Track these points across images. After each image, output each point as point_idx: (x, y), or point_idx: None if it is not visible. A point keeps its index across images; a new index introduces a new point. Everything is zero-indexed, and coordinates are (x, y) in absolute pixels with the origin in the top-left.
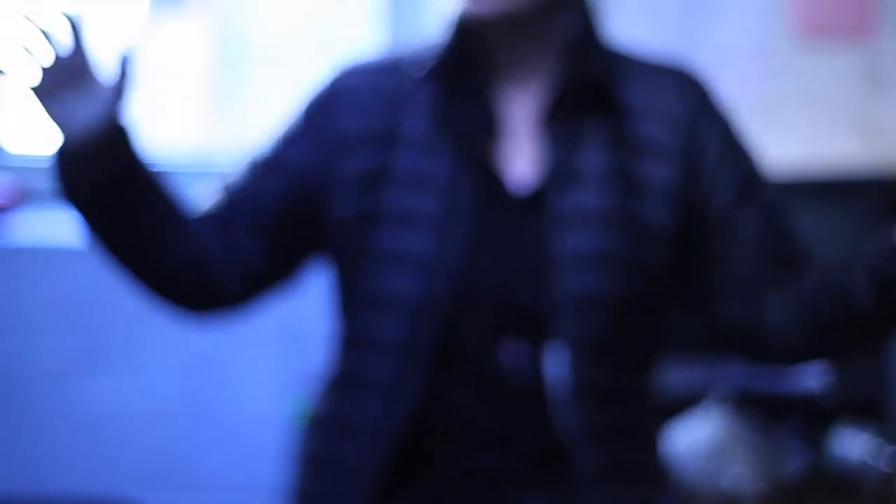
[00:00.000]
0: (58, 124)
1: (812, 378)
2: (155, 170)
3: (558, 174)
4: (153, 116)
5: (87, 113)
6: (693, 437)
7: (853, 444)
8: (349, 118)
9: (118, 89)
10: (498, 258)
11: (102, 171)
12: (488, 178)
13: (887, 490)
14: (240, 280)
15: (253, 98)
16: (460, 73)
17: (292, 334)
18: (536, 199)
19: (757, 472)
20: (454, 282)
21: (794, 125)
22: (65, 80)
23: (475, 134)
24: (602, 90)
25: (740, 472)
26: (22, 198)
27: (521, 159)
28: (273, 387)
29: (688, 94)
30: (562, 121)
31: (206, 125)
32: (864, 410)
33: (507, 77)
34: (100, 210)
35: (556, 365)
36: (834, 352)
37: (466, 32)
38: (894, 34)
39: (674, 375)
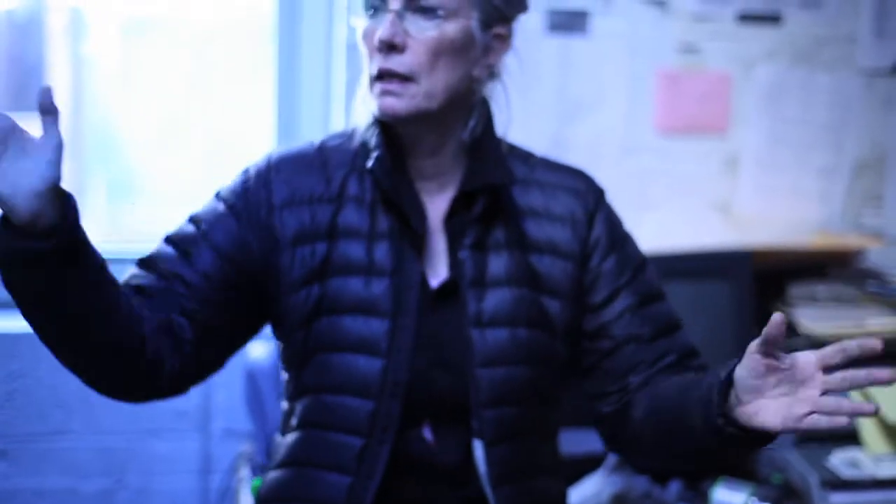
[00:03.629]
0: (2, 196)
1: None
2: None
3: (472, 278)
4: None
5: (31, 179)
6: (590, 496)
7: (732, 498)
8: (288, 219)
9: (55, 145)
10: (430, 348)
11: (55, 246)
12: (421, 270)
13: None
14: (179, 361)
15: None
16: (396, 169)
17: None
18: (449, 298)
19: None
20: (410, 361)
21: (661, 209)
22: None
23: (416, 228)
24: (500, 196)
25: None
26: None
27: (437, 260)
28: (202, 469)
29: (583, 196)
30: (466, 224)
31: None
32: (737, 469)
33: (420, 180)
34: (48, 287)
35: (479, 445)
36: (679, 465)
37: (387, 134)
38: (748, 126)
39: (573, 441)
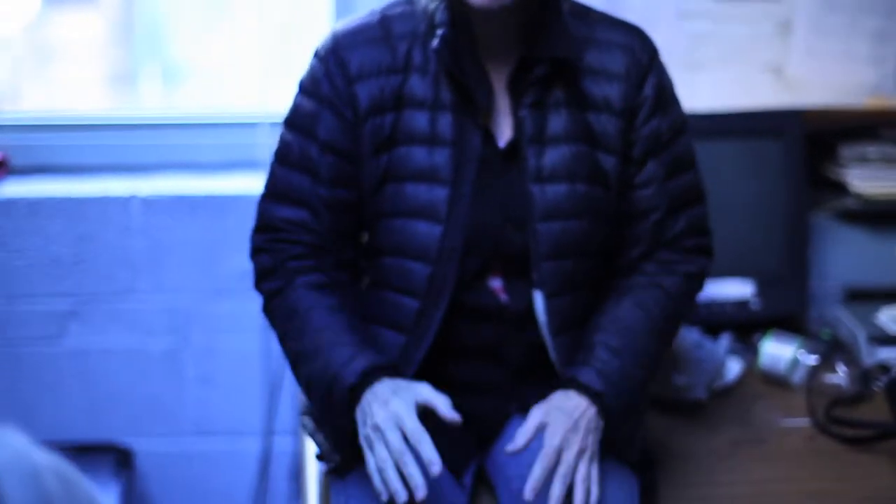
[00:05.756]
0: None
1: (742, 296)
2: None
3: (531, 136)
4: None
5: None
6: None
7: (781, 350)
8: (360, 92)
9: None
10: (492, 207)
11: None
12: (485, 136)
13: (814, 381)
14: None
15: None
16: (462, 47)
17: None
18: (517, 155)
19: (699, 381)
20: (465, 227)
21: (714, 70)
22: None
23: (480, 100)
24: (561, 60)
25: (686, 382)
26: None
27: (503, 121)
28: (264, 328)
29: (638, 54)
30: (528, 88)
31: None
32: (787, 324)
33: (486, 49)
34: None
35: (539, 295)
36: None
37: (460, 9)
38: None
39: None
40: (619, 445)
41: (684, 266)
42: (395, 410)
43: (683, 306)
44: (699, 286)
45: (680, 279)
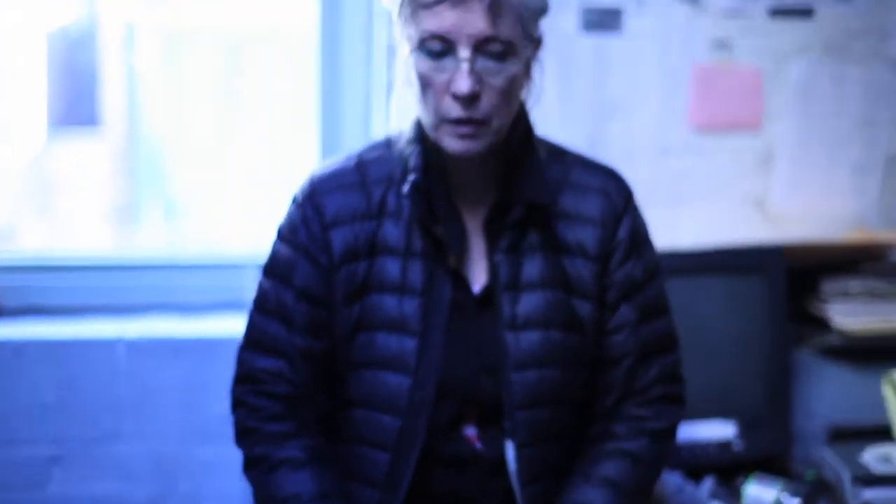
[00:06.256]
0: None
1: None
2: None
3: (506, 283)
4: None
5: None
6: None
7: (764, 493)
8: (335, 238)
9: None
10: (465, 355)
11: None
12: (457, 282)
13: None
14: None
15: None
16: (436, 191)
17: None
18: (491, 301)
19: None
20: (437, 377)
21: (696, 205)
22: None
23: (453, 245)
24: (536, 205)
25: None
26: None
27: (478, 264)
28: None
29: (613, 198)
30: (504, 232)
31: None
32: (771, 465)
33: (462, 192)
34: None
35: (510, 445)
36: None
37: (428, 153)
38: (781, 122)
39: None
40: None
41: (654, 423)
42: None
43: (655, 470)
44: (671, 442)
45: (649, 441)
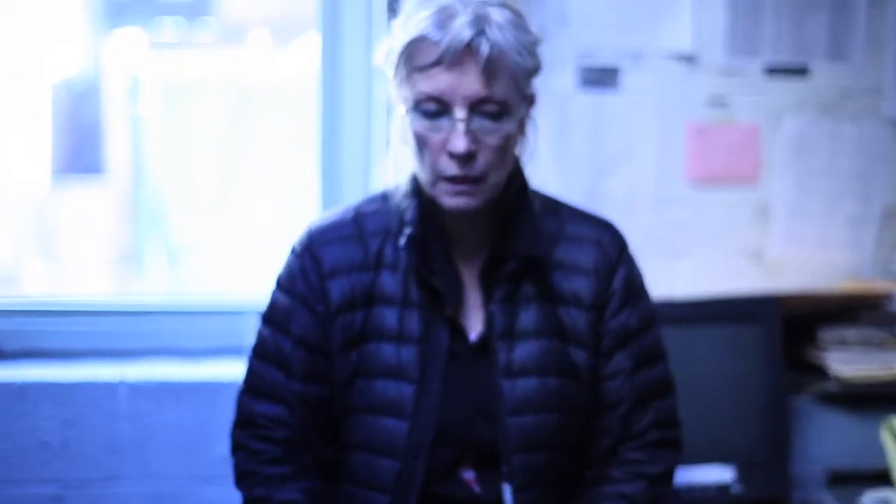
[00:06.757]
0: None
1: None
2: None
3: (501, 331)
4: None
5: None
6: None
7: None
8: (333, 288)
9: None
10: (461, 401)
11: None
12: (453, 331)
13: None
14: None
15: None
16: (432, 243)
17: None
18: (487, 350)
19: None
20: (434, 423)
21: (693, 256)
22: None
23: (449, 296)
24: (531, 257)
25: None
26: None
27: (474, 314)
28: None
29: (607, 249)
30: (499, 283)
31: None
32: None
33: (458, 245)
34: None
35: (507, 488)
36: None
37: (431, 207)
38: (777, 176)
39: None
40: None
41: (651, 467)
42: None
43: None
44: (667, 487)
45: (645, 485)
